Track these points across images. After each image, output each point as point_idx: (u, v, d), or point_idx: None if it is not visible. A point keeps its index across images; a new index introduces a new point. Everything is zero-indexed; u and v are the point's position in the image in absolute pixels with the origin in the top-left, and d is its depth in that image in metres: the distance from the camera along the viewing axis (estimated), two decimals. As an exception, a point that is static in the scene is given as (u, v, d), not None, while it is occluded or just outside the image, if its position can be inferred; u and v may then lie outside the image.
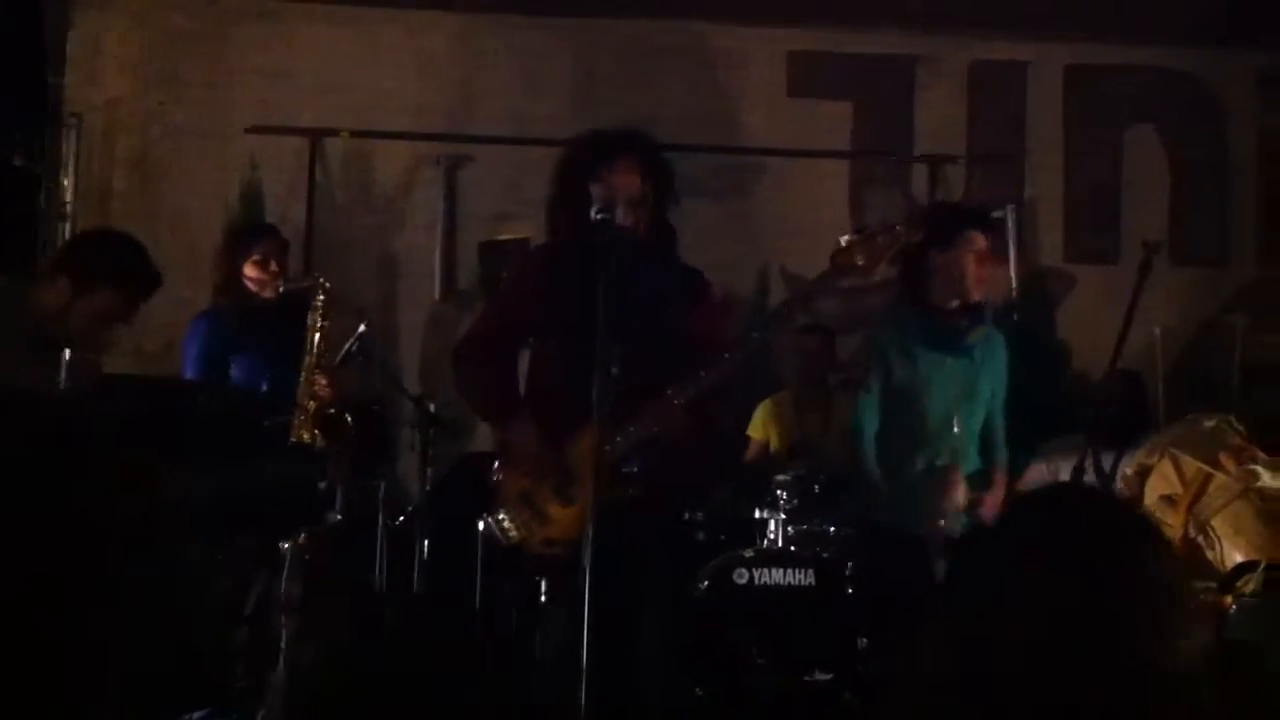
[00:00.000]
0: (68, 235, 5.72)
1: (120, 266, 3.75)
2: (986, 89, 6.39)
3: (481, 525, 3.59)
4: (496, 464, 3.57)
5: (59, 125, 5.85)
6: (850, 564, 4.68)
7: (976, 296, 4.01)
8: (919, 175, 6.33)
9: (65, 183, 5.81)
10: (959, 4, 6.30)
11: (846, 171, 6.35)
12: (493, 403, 3.65)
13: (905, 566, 3.73)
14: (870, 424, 4.02)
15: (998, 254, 5.27)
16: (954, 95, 6.37)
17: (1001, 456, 4.11)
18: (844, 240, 3.49)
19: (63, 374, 3.62)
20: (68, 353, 3.62)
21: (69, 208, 5.82)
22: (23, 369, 3.64)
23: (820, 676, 4.61)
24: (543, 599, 3.47)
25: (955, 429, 3.95)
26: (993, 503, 3.93)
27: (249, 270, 4.64)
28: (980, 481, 3.99)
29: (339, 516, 4.05)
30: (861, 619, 4.60)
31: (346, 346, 4.70)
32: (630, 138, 3.59)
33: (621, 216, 3.37)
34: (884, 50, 6.33)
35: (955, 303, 4.00)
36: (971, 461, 4.02)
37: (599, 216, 3.28)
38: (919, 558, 3.68)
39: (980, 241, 4.01)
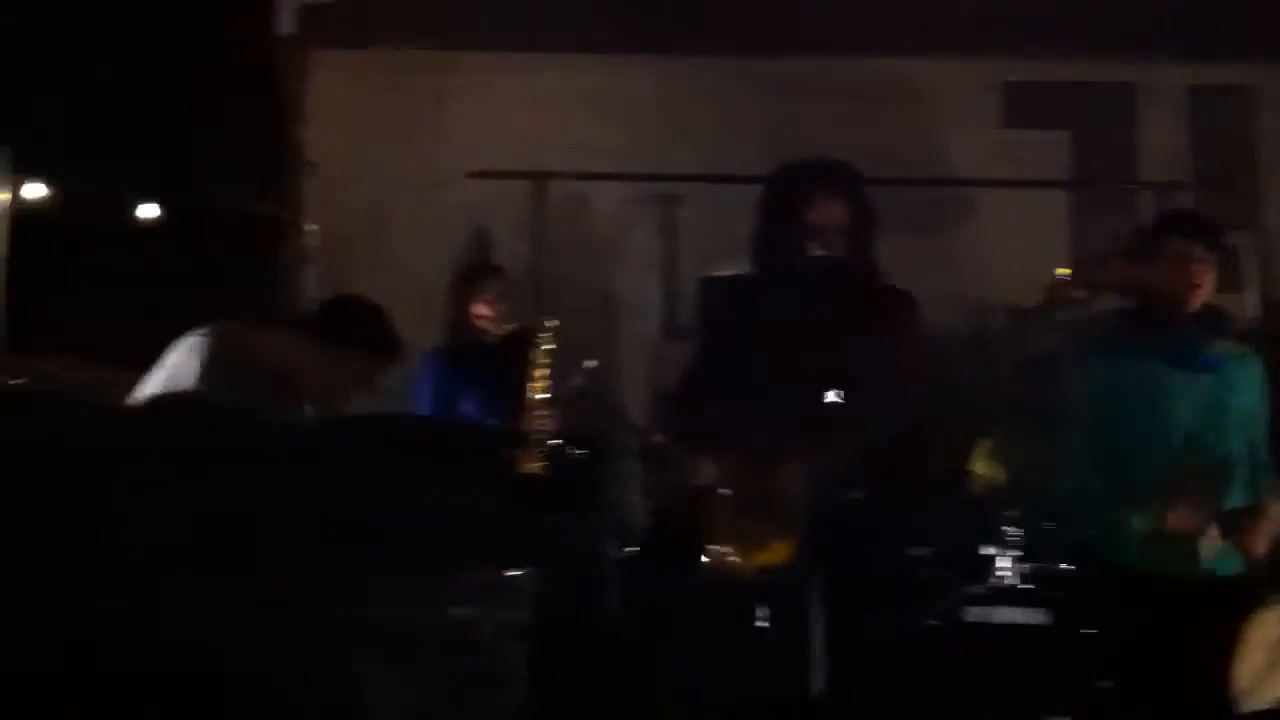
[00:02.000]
0: (307, 281, 6.03)
1: (372, 333, 3.92)
2: (1209, 114, 6.23)
3: (703, 556, 3.66)
4: (715, 495, 3.63)
5: (299, 175, 6.18)
6: (1086, 604, 4.57)
7: (1195, 304, 3.72)
8: (1146, 205, 6.19)
9: (307, 229, 6.12)
10: (1177, 28, 6.16)
11: (1065, 202, 6.26)
12: (706, 439, 3.71)
13: (1152, 610, 3.60)
14: (1087, 457, 3.81)
15: (1233, 282, 5.12)
16: (1176, 121, 6.22)
17: (1263, 481, 3.74)
18: (1060, 273, 3.45)
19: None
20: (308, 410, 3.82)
21: (308, 254, 6.14)
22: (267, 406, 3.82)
23: None
24: (762, 626, 3.51)
25: (1204, 453, 3.67)
26: (1260, 538, 3.63)
27: (477, 309, 4.83)
28: (1242, 514, 3.67)
29: (570, 547, 4.16)
30: (1098, 661, 4.47)
31: (573, 382, 4.83)
32: (832, 169, 3.62)
33: (826, 248, 3.40)
34: (1102, 78, 6.23)
35: (1178, 310, 3.72)
36: (1230, 491, 3.70)
37: (815, 253, 3.31)
38: (1170, 601, 3.56)
39: (1197, 249, 3.73)
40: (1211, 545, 3.60)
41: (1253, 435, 3.80)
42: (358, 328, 3.91)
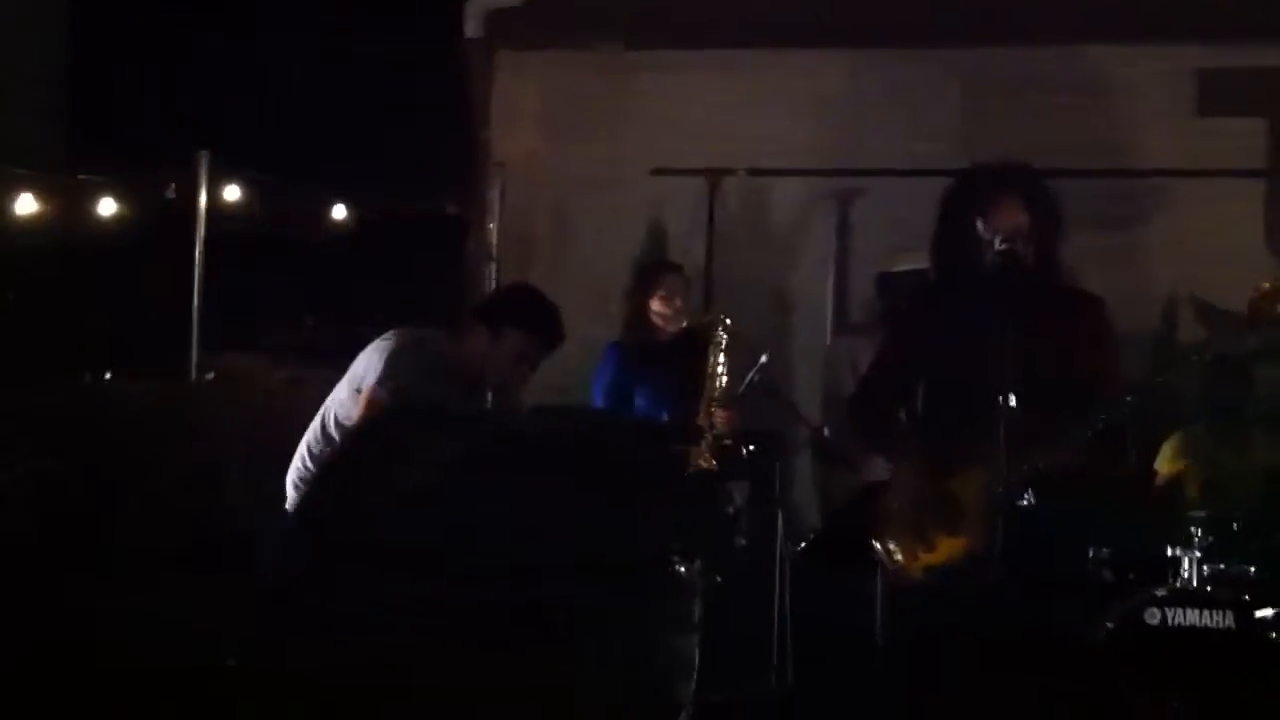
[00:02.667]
0: (494, 276, 6.21)
1: (528, 312, 4.08)
2: None
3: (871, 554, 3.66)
4: (888, 493, 3.63)
5: (485, 175, 6.35)
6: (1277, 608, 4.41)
7: None
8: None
9: (491, 228, 6.30)
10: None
11: (1261, 192, 6.01)
12: (884, 439, 3.71)
13: None
14: None
15: None
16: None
17: None
18: (1264, 286, 3.34)
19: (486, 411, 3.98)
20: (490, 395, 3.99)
21: (494, 251, 6.31)
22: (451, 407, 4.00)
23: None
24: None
25: None
26: None
27: (655, 305, 4.91)
28: None
29: (743, 542, 4.21)
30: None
31: (749, 377, 4.86)
32: (1012, 171, 3.57)
33: (1007, 248, 3.37)
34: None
35: None
36: None
37: (1002, 248, 3.28)
38: None
39: None
40: None
41: None
42: (516, 311, 4.06)
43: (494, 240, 6.33)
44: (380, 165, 6.53)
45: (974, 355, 3.30)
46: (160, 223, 6.32)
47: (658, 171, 6.28)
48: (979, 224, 3.48)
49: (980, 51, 6.16)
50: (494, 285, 6.31)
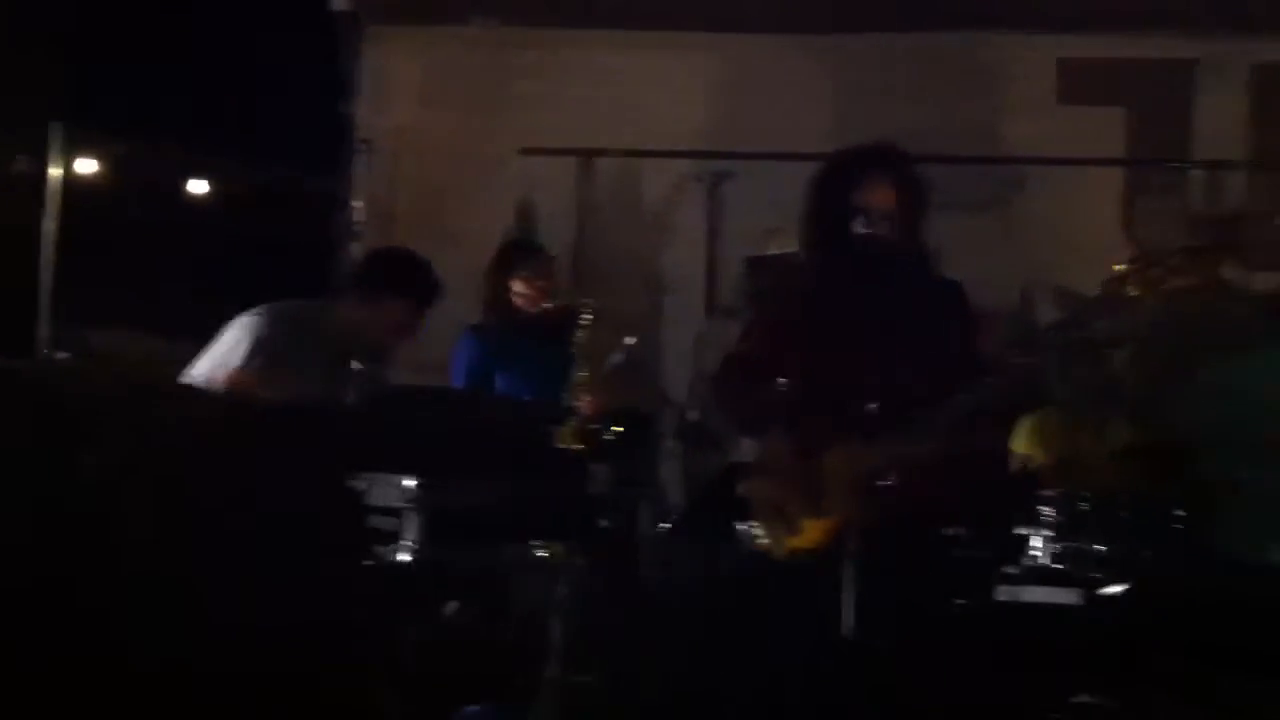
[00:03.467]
0: (357, 257, 6.11)
1: (402, 277, 4.02)
2: (1270, 92, 6.10)
3: (738, 536, 3.68)
4: (754, 475, 3.65)
5: (351, 152, 6.25)
6: (1124, 586, 4.54)
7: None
8: (1197, 185, 6.09)
9: (357, 204, 6.20)
10: (1243, 4, 6.04)
11: (1119, 181, 6.17)
12: (750, 418, 3.73)
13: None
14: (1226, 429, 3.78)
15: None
16: (1236, 100, 6.11)
17: None
18: (1117, 269, 3.43)
19: (352, 387, 3.91)
20: (355, 365, 3.91)
21: (359, 230, 6.22)
22: (320, 385, 3.94)
23: (1086, 700, 4.49)
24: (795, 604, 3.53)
25: None
26: None
27: (517, 286, 4.86)
28: None
29: (607, 524, 4.21)
30: (1131, 643, 4.45)
31: (614, 358, 4.86)
32: (882, 152, 3.61)
33: (872, 229, 3.40)
34: (1162, 54, 6.13)
35: None
36: None
37: (863, 231, 3.32)
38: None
39: None
40: None
41: None
42: (393, 276, 4.00)
43: (360, 217, 6.23)
44: (246, 139, 6.39)
45: (839, 337, 3.33)
46: (10, 196, 6.11)
47: (528, 151, 6.24)
48: (846, 203, 3.51)
49: (851, 37, 6.23)
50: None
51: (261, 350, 3.96)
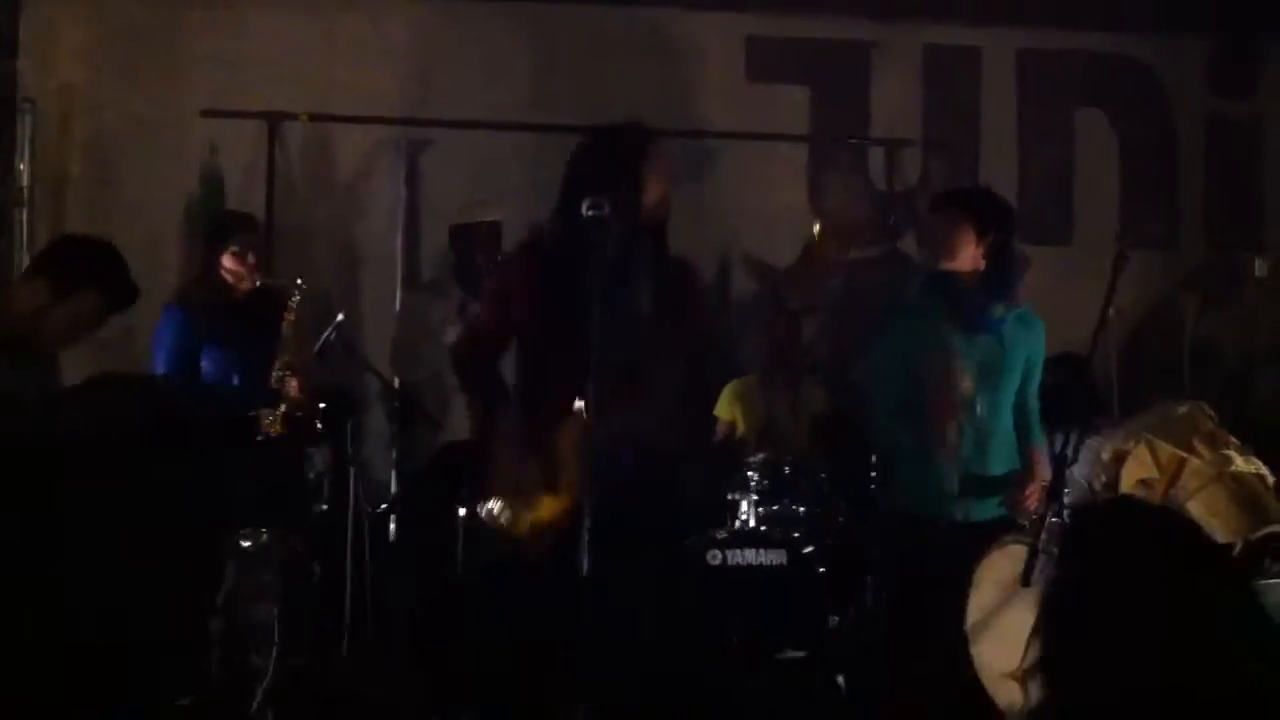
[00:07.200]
0: (24, 222, 5.65)
1: (104, 273, 3.71)
2: (941, 74, 6.47)
3: (462, 512, 3.63)
4: (480, 453, 3.60)
5: (12, 111, 5.77)
6: (821, 544, 4.76)
7: (948, 264, 3.95)
8: (876, 160, 6.40)
9: (21, 168, 5.73)
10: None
11: (804, 156, 6.41)
12: (486, 395, 3.68)
13: (916, 552, 3.82)
14: (882, 395, 3.99)
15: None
16: (909, 80, 6.44)
17: (1038, 440, 3.99)
18: (817, 231, 3.53)
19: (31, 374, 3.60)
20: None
21: (25, 194, 5.75)
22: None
23: (792, 654, 4.70)
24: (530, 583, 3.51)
25: (978, 410, 3.88)
26: (1030, 489, 3.87)
27: (227, 262, 4.59)
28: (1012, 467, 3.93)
29: (324, 507, 4.07)
30: (832, 598, 4.69)
31: (324, 336, 4.68)
32: (629, 134, 3.59)
33: (598, 209, 3.39)
34: (840, 35, 6.40)
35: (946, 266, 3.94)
36: (999, 444, 3.94)
37: (591, 213, 3.30)
38: (927, 543, 3.76)
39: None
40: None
41: (1026, 392, 4.02)
42: (89, 268, 3.68)
43: (24, 183, 5.76)
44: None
45: (573, 311, 3.31)
46: None
47: (208, 113, 5.93)
48: (588, 187, 3.47)
49: (553, 8, 6.21)
50: (24, 231, 5.76)
51: None
